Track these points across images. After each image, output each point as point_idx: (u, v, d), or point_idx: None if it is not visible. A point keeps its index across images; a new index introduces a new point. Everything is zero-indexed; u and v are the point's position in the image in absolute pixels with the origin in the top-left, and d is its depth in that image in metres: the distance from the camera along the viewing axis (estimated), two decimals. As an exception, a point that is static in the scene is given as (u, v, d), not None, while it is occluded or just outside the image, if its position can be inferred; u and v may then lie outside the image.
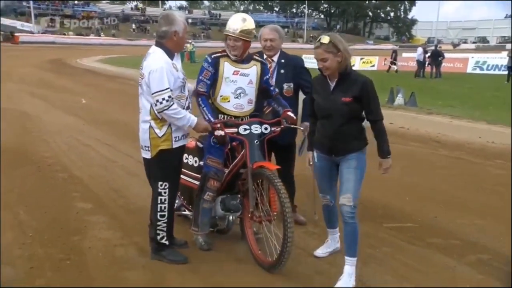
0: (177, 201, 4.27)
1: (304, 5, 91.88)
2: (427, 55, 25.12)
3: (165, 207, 3.59)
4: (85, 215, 4.60)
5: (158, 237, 3.64)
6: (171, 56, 3.50)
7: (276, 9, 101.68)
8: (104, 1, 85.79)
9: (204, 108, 3.75)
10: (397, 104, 13.43)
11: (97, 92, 15.64)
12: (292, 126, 3.88)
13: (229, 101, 3.83)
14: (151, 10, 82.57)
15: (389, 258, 3.91)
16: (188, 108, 3.62)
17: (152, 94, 3.36)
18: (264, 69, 3.98)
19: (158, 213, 3.60)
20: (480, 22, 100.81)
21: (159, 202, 3.59)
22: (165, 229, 3.62)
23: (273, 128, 3.79)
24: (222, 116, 3.84)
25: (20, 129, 8.89)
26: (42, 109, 11.45)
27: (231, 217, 3.95)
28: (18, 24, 67.13)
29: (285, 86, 4.25)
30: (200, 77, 3.76)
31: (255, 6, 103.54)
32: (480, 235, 4.42)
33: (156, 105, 3.37)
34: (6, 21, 66.65)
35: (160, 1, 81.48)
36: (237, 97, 3.83)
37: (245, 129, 3.66)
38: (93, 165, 6.42)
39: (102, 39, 67.07)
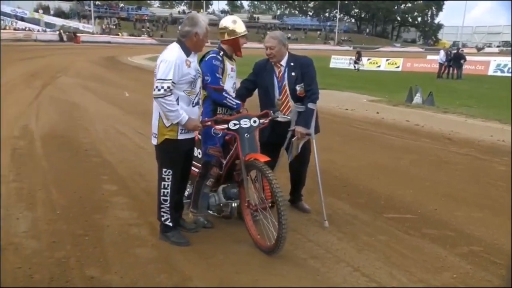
0: (188, 189, 4.28)
1: (336, 10, 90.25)
2: (448, 58, 24.28)
3: (167, 193, 3.56)
4: (109, 196, 4.65)
5: (163, 219, 3.62)
6: (187, 53, 3.45)
7: (310, 13, 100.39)
8: (155, 5, 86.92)
9: (229, 98, 3.85)
10: (415, 103, 13.02)
11: (141, 86, 15.83)
12: (279, 117, 3.85)
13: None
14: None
15: (383, 246, 3.77)
16: (197, 104, 3.56)
17: (156, 79, 3.33)
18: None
19: (161, 197, 3.58)
20: (505, 27, 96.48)
21: (162, 187, 3.56)
22: (168, 212, 3.60)
23: (261, 121, 3.73)
24: (221, 108, 3.90)
25: (68, 117, 9.10)
26: (90, 101, 11.69)
27: (233, 204, 3.90)
28: (80, 25, 69.08)
29: (297, 87, 4.11)
30: (217, 74, 3.77)
31: (291, 11, 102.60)
32: (475, 227, 4.22)
33: (154, 90, 3.32)
34: (70, 22, 68.76)
35: (204, 6, 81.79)
36: (234, 91, 4.00)
37: (235, 124, 3.60)
38: (124, 151, 6.50)
39: (152, 39, 68.05)
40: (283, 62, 4.16)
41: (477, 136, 8.58)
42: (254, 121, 3.68)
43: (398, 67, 32.26)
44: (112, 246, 3.54)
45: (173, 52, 3.40)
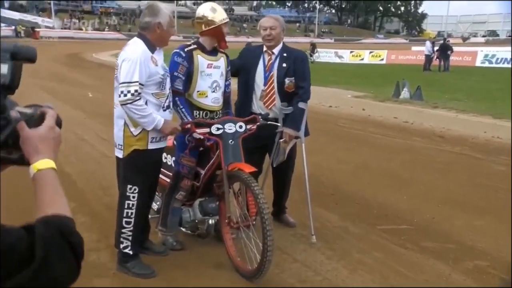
0: (158, 202, 3.99)
1: (316, 0, 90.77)
2: (435, 49, 24.48)
3: (131, 213, 3.22)
4: (65, 214, 4.29)
5: (121, 246, 3.26)
6: (152, 49, 3.15)
7: (288, 4, 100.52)
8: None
9: (183, 109, 3.43)
10: (403, 98, 12.99)
11: (106, 86, 15.20)
12: (269, 122, 3.57)
13: (206, 96, 3.53)
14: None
15: (379, 264, 3.55)
16: (168, 108, 3.27)
17: (119, 84, 3.02)
18: (228, 61, 3.72)
19: (124, 219, 3.23)
20: (490, 16, 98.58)
21: (125, 207, 3.22)
22: (130, 237, 3.24)
23: (248, 126, 3.44)
24: (199, 112, 3.54)
25: (22, 123, 8.63)
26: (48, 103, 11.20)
27: (210, 221, 3.60)
28: (39, 20, 67.52)
29: (286, 81, 3.87)
30: (175, 73, 3.40)
31: (268, 1, 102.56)
32: (478, 238, 4.05)
33: (119, 96, 3.00)
34: (28, 17, 67.09)
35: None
36: (214, 91, 3.55)
37: (218, 129, 3.31)
38: (86, 161, 6.13)
39: (119, 33, 66.92)
40: (276, 51, 3.91)
41: (470, 133, 8.52)
42: (240, 126, 3.40)
43: (382, 59, 32.56)
44: (66, 277, 3.20)
45: (136, 48, 3.09)
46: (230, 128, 3.33)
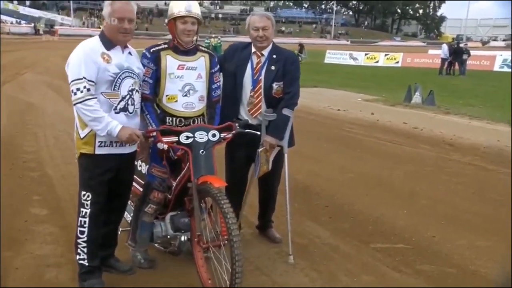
0: (132, 213, 3.68)
1: (333, 2, 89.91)
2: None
3: (85, 222, 2.94)
4: (33, 223, 3.99)
5: (78, 257, 2.98)
6: (108, 45, 2.89)
7: (305, 5, 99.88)
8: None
9: (148, 116, 3.14)
10: (414, 103, 12.49)
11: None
12: (246, 131, 3.21)
13: (176, 100, 3.18)
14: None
15: (366, 290, 3.19)
16: (123, 110, 2.92)
17: (69, 83, 2.78)
18: (212, 61, 3.33)
19: (78, 228, 2.97)
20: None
21: (80, 215, 2.96)
22: (85, 249, 2.95)
23: (222, 135, 3.08)
24: (171, 119, 3.20)
25: (18, 121, 8.44)
26: (51, 101, 11.05)
27: (182, 237, 3.25)
28: (58, 18, 68.26)
29: (275, 85, 3.50)
30: (143, 77, 3.10)
31: (285, 2, 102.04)
32: (482, 262, 3.66)
33: (71, 96, 2.76)
34: (48, 14, 67.91)
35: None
36: (185, 95, 3.19)
37: (188, 137, 2.95)
38: (72, 163, 5.73)
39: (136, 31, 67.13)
40: (265, 52, 3.55)
41: (482, 141, 8.04)
42: (213, 135, 3.04)
43: (397, 62, 31.89)
44: (14, 298, 2.90)
45: (82, 45, 2.87)
46: (201, 136, 2.98)
